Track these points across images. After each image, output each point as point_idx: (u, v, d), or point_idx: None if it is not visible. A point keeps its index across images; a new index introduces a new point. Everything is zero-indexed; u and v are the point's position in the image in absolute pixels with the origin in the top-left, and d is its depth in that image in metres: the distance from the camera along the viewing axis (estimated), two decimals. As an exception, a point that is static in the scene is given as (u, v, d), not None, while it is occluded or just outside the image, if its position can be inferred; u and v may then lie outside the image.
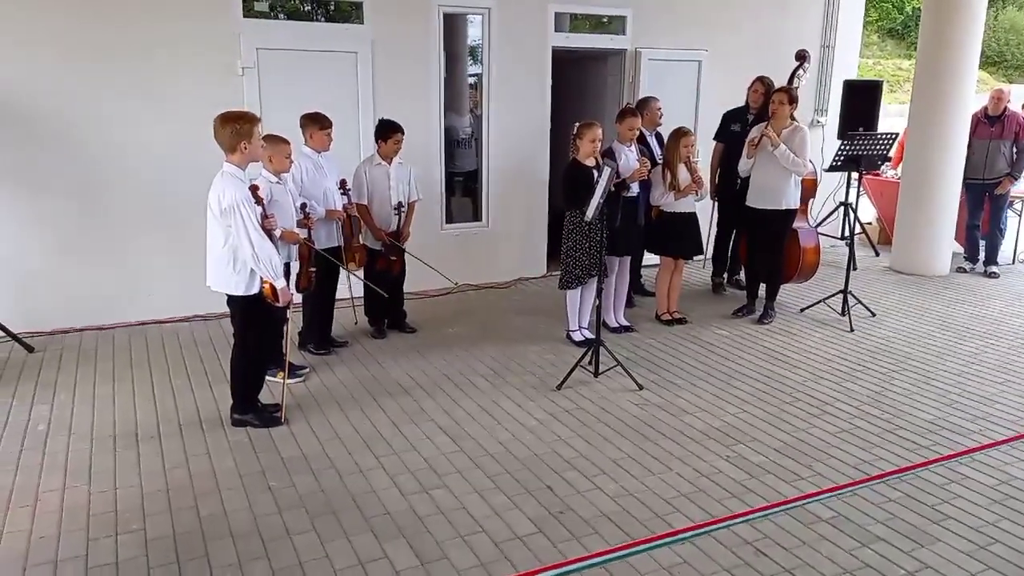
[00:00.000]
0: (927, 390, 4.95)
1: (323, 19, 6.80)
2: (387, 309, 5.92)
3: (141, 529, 3.35)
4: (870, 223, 9.43)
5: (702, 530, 3.37)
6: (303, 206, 4.91)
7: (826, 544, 3.29)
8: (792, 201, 6.04)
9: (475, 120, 8.29)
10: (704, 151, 6.95)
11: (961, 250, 8.15)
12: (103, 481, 3.75)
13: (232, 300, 4.19)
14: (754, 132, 6.04)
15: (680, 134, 5.82)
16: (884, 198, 9.18)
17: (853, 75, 9.23)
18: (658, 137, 6.48)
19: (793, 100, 5.91)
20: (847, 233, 8.34)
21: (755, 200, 6.09)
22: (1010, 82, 25.23)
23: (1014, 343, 5.83)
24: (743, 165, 6.11)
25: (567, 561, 3.15)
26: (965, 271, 7.93)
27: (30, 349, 5.41)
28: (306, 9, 6.93)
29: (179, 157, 5.79)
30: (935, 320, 6.40)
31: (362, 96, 6.44)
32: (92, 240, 5.82)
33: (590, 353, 5.10)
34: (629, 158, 5.67)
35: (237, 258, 4.02)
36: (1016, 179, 7.51)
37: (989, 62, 25.28)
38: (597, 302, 5.15)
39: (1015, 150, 7.48)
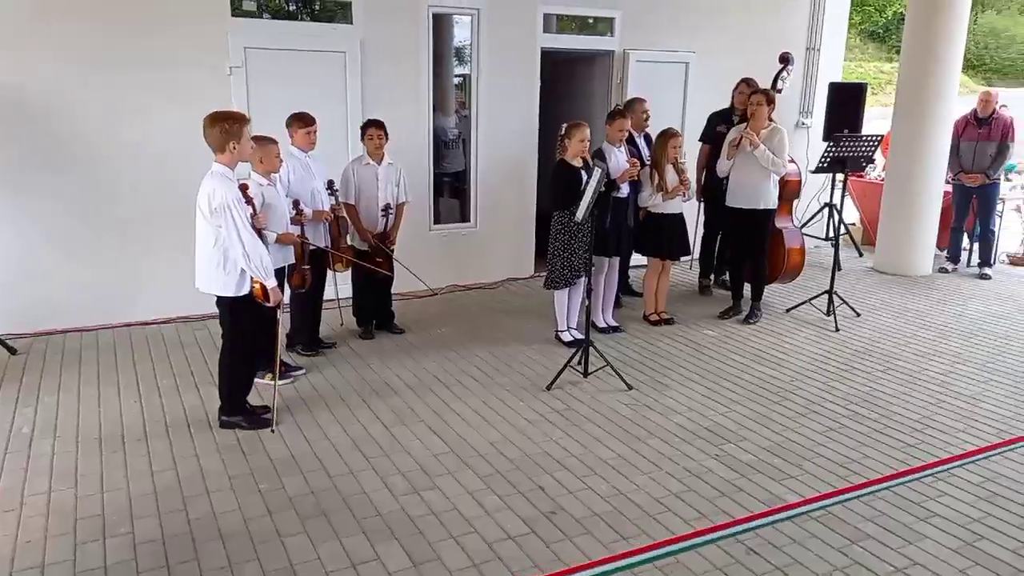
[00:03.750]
0: (913, 389, 5.00)
1: (308, 18, 6.77)
2: (375, 310, 5.90)
3: (129, 532, 3.32)
4: (853, 224, 9.52)
5: (695, 540, 3.39)
6: (296, 203, 4.90)
7: (816, 542, 3.32)
8: (771, 201, 6.10)
9: (461, 121, 8.29)
10: (690, 152, 6.98)
11: (942, 251, 8.26)
12: (90, 484, 3.71)
13: (221, 301, 4.17)
14: (732, 134, 6.09)
15: (668, 135, 5.85)
16: (867, 199, 9.27)
17: (838, 77, 9.32)
18: (647, 138, 6.51)
19: (771, 101, 6.00)
20: (831, 234, 8.42)
21: (735, 200, 6.15)
22: (989, 85, 25.58)
23: (996, 343, 5.91)
24: (722, 166, 6.17)
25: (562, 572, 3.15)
26: (947, 271, 8.02)
27: (12, 351, 5.34)
28: (291, 8, 6.89)
29: (168, 158, 5.74)
30: (919, 320, 6.47)
31: (351, 96, 6.42)
32: (77, 241, 5.75)
33: (579, 353, 5.11)
34: (619, 159, 5.69)
35: (227, 258, 4.00)
36: (989, 178, 7.60)
37: (968, 65, 25.62)
38: (587, 303, 5.16)
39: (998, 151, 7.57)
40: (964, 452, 4.14)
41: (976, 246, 8.12)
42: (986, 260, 7.90)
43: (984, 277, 7.78)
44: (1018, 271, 8.14)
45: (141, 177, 5.82)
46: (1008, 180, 8.09)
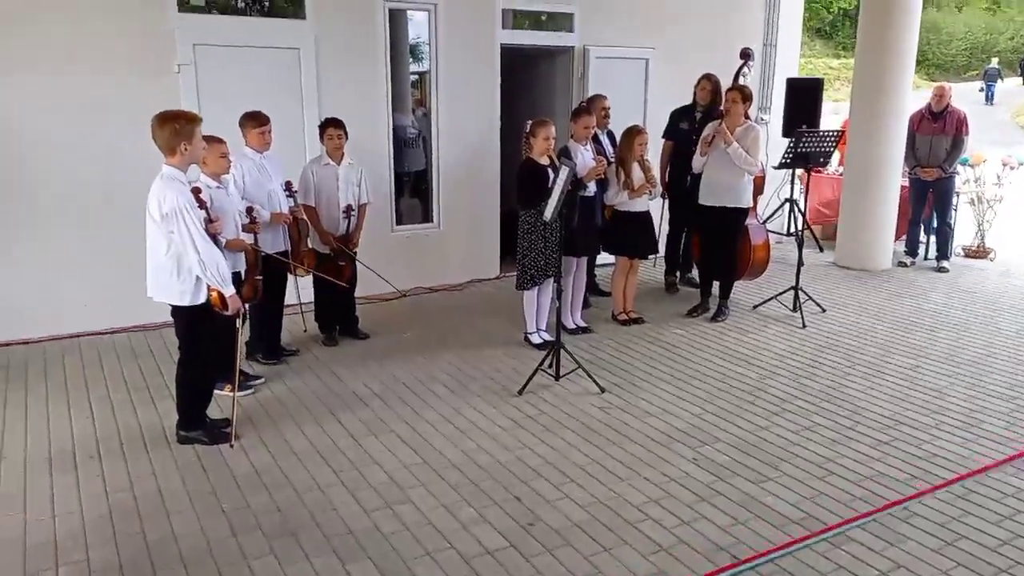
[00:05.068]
0: (880, 385, 5.02)
1: (256, 14, 6.53)
2: (338, 315, 5.72)
3: (84, 560, 3.13)
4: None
5: None
6: (249, 210, 4.69)
7: (800, 547, 3.27)
8: (745, 200, 6.06)
9: (419, 119, 8.12)
10: (653, 149, 6.94)
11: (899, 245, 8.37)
12: (40, 508, 3.49)
13: (176, 311, 3.96)
14: (708, 130, 6.03)
15: (634, 132, 5.78)
16: (814, 193, 9.21)
17: (795, 73, 9.39)
18: (610, 135, 6.44)
19: (747, 98, 5.93)
20: (792, 229, 8.46)
21: (708, 198, 6.08)
22: (932, 80, 26.22)
23: (957, 335, 5.98)
24: (697, 163, 6.10)
25: None
26: (905, 265, 8.13)
27: (-49, 366, 5.05)
28: (239, 5, 6.64)
29: (115, 160, 5.49)
30: (882, 314, 6.53)
31: (306, 94, 6.22)
32: (19, 249, 5.45)
33: (550, 356, 5.01)
34: (585, 157, 5.60)
35: (181, 266, 3.80)
36: (945, 172, 7.72)
37: (914, 61, 26.25)
38: (557, 303, 5.06)
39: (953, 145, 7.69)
40: (967, 471, 4.03)
41: (933, 239, 8.24)
42: (943, 253, 8.03)
43: (942, 270, 7.91)
44: (974, 263, 8.30)
45: (89, 182, 5.55)
46: (957, 174, 8.24)
